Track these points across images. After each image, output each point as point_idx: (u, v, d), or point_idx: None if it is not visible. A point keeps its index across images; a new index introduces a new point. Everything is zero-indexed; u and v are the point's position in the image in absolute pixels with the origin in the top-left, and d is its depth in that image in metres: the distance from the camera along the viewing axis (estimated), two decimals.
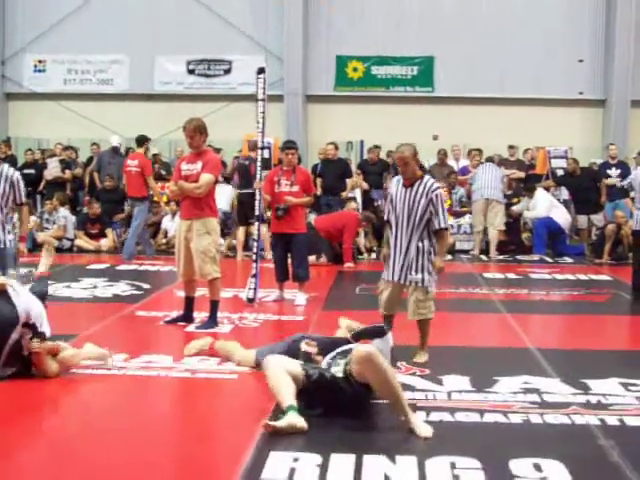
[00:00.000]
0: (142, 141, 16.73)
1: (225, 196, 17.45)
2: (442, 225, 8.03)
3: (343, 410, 6.16)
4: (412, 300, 8.17)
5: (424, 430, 5.81)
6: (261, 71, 11.56)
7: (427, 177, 8.20)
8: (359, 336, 7.10)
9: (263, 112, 11.43)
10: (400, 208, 8.13)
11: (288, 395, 6.05)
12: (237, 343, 8.19)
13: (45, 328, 7.40)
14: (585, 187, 18.20)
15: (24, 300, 7.26)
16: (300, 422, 5.83)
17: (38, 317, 7.29)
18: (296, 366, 6.37)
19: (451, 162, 20.31)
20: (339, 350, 6.74)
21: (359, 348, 6.22)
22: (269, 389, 6.19)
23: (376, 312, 10.25)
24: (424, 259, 8.07)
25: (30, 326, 7.18)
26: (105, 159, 20.09)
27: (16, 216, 10.69)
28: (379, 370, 6.00)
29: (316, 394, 6.24)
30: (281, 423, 5.77)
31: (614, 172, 18.44)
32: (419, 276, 8.07)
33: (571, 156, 19.28)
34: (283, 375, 6.21)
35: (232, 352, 7.96)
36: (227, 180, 18.28)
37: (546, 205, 17.86)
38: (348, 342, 7.01)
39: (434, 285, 8.22)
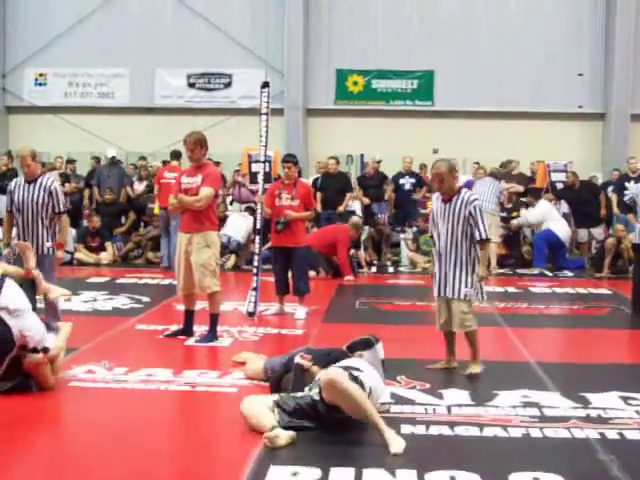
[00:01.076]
0: (179, 155, 16.78)
1: (244, 227, 17.46)
2: (483, 236, 8.05)
3: (329, 427, 6.16)
4: (457, 313, 8.18)
5: (395, 446, 5.78)
6: (265, 85, 11.60)
7: (464, 190, 8.27)
8: (352, 348, 7.11)
9: (266, 126, 11.46)
10: (441, 223, 8.19)
11: (268, 420, 6.07)
12: (251, 354, 8.24)
13: (47, 342, 7.36)
14: (585, 200, 18.16)
15: (19, 322, 7.17)
16: (293, 434, 5.89)
17: (36, 336, 7.22)
18: (268, 402, 6.36)
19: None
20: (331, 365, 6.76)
21: (324, 374, 6.24)
22: (250, 428, 6.16)
23: (376, 325, 10.29)
24: (467, 272, 8.10)
25: (26, 347, 7.14)
26: (104, 173, 20.11)
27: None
28: (344, 394, 6.02)
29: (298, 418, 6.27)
30: (281, 440, 5.80)
31: (632, 186, 18.32)
32: (464, 289, 8.10)
33: (571, 169, 19.28)
34: (259, 407, 6.26)
35: (247, 363, 8.03)
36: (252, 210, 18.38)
37: (543, 212, 17.82)
38: (345, 354, 7.02)
39: (481, 298, 8.25)
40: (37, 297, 8.49)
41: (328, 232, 16.06)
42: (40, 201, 9.62)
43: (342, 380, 6.06)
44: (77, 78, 25.88)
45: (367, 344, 7.07)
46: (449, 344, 8.45)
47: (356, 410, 6.05)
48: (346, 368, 6.41)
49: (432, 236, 8.48)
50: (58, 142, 24.36)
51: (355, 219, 16.50)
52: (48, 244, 9.67)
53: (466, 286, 8.10)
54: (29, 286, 7.88)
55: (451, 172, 8.18)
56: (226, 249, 16.62)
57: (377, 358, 7.04)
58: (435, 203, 8.33)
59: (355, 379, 6.28)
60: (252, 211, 18.06)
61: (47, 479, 5.40)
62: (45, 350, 7.22)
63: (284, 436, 5.85)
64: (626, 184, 18.47)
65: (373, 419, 6.00)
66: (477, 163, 20.55)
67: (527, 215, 18.30)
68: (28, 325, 7.16)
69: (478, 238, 8.06)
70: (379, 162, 20.32)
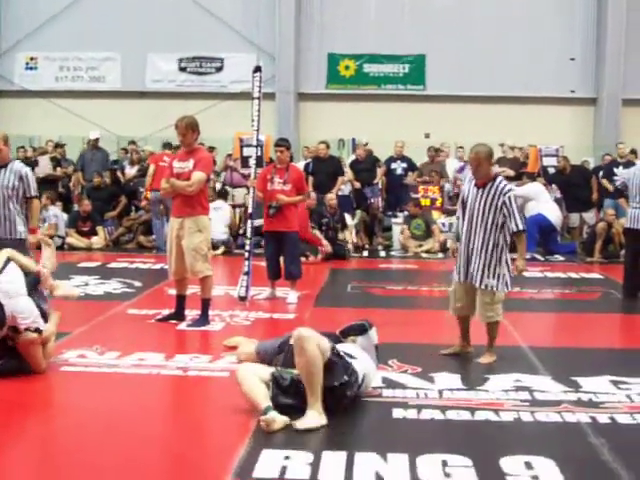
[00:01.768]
0: (169, 146, 16.86)
1: (222, 220, 17.29)
2: (520, 227, 7.97)
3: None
4: (480, 303, 8.12)
5: (300, 423, 5.85)
6: (257, 69, 11.58)
7: (500, 179, 8.14)
8: (345, 333, 7.12)
9: (259, 110, 11.44)
10: (472, 208, 8.09)
11: (262, 397, 6.10)
12: (242, 338, 8.25)
13: (39, 324, 7.35)
14: (576, 184, 18.19)
15: (13, 303, 7.17)
16: (286, 419, 5.92)
17: (28, 320, 7.21)
18: (266, 373, 6.38)
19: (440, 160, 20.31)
20: None
21: (296, 330, 6.29)
22: (243, 395, 6.18)
23: (367, 309, 10.30)
24: (496, 263, 8.01)
25: (17, 329, 7.14)
26: (87, 157, 20.11)
27: None
28: (303, 353, 6.06)
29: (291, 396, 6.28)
30: (276, 425, 5.84)
31: (620, 171, 18.38)
32: (491, 281, 8.02)
33: (562, 154, 19.29)
34: (254, 379, 6.27)
35: (238, 347, 8.03)
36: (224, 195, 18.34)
37: (532, 190, 17.77)
38: (338, 339, 7.03)
39: (506, 287, 8.15)
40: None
41: None
42: (11, 185, 9.54)
43: (308, 338, 6.10)
44: (68, 62, 25.75)
45: (361, 329, 7.06)
46: (463, 329, 8.41)
47: (303, 371, 6.09)
48: (338, 352, 6.40)
49: (458, 217, 8.45)
50: (49, 126, 24.31)
51: (328, 196, 16.54)
52: (21, 229, 9.64)
53: (488, 277, 8.01)
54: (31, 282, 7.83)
55: (489, 158, 8.12)
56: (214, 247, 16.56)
57: (371, 343, 7.04)
58: (467, 185, 8.24)
59: (338, 356, 6.31)
60: (223, 196, 18.06)
61: (39, 464, 5.39)
62: (38, 331, 7.22)
63: (279, 420, 5.88)
64: (615, 170, 18.53)
65: (312, 389, 6.04)
66: (461, 147, 20.58)
67: (519, 190, 18.26)
68: (21, 308, 7.15)
69: (514, 229, 7.95)
70: (366, 144, 20.31)
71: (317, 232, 16.15)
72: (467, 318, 8.36)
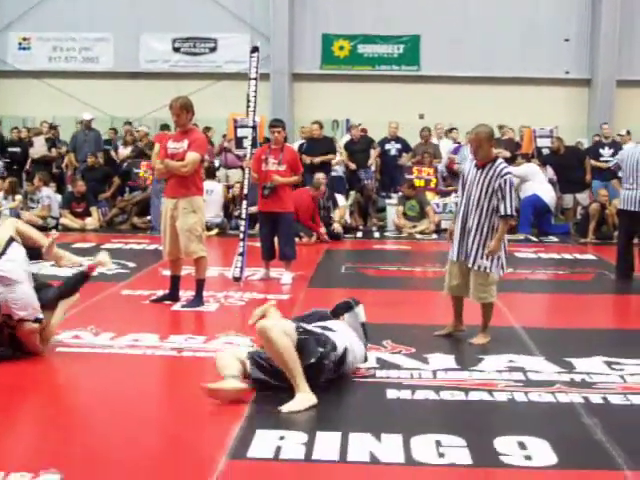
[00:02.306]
0: (167, 127, 16.91)
1: (216, 202, 17.34)
2: (508, 212, 7.89)
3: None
4: (474, 284, 8.12)
5: (288, 406, 5.89)
6: (255, 50, 11.56)
7: (499, 161, 8.12)
8: (335, 312, 7.15)
9: (255, 91, 11.42)
10: (471, 188, 8.07)
11: (229, 367, 6.32)
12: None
13: (37, 313, 7.31)
14: (570, 165, 18.21)
15: (8, 290, 7.13)
16: (240, 386, 6.13)
17: (22, 310, 7.18)
18: (242, 354, 6.56)
19: (434, 140, 20.29)
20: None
21: (259, 323, 6.33)
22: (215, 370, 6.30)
23: (361, 290, 10.32)
24: (486, 244, 7.97)
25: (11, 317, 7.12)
26: (80, 138, 20.09)
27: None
28: (271, 343, 6.10)
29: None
30: (223, 392, 6.08)
31: (607, 152, 18.46)
32: (484, 262, 8.00)
33: (556, 135, 19.28)
34: (228, 357, 6.52)
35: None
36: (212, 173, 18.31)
37: (528, 170, 17.76)
38: (327, 315, 7.08)
39: (501, 270, 8.14)
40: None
41: (293, 199, 15.85)
42: None
43: (271, 328, 6.14)
44: (61, 42, 25.65)
45: (347, 307, 7.10)
46: (456, 309, 8.42)
47: (279, 359, 6.14)
48: (305, 329, 6.43)
49: (458, 196, 8.43)
50: (43, 107, 24.23)
51: (316, 177, 16.36)
52: None
53: (482, 258, 7.99)
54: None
55: (489, 139, 8.10)
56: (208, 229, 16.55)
57: (357, 321, 7.06)
58: (468, 165, 8.24)
59: (306, 332, 6.35)
60: (211, 174, 18.01)
61: (36, 445, 5.40)
62: (38, 320, 7.20)
63: (227, 386, 6.09)
64: (600, 150, 18.58)
65: (293, 374, 6.09)
66: (455, 129, 20.56)
67: (516, 170, 18.27)
68: (16, 296, 7.08)
69: (502, 213, 7.90)
70: (359, 125, 20.28)
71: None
72: (461, 298, 8.37)
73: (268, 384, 6.30)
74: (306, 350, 6.24)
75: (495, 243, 7.94)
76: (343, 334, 6.73)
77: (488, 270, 8.00)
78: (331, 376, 6.46)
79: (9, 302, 7.01)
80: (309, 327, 6.51)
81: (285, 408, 5.88)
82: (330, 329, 6.71)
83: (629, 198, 11.82)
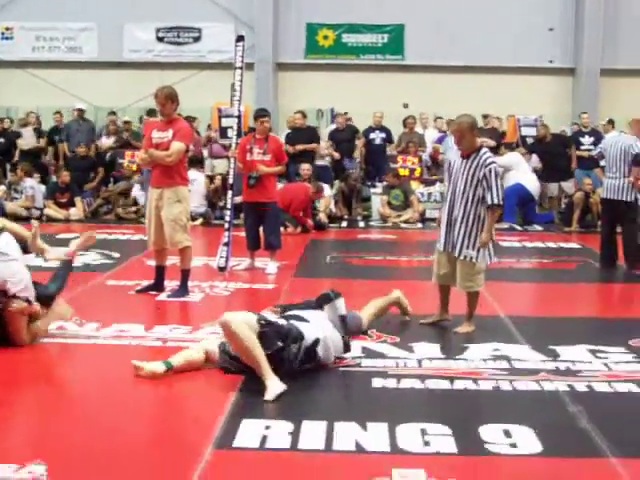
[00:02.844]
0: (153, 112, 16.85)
1: (199, 192, 17.25)
2: (495, 201, 7.88)
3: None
4: (460, 273, 8.13)
5: (268, 394, 5.94)
6: (240, 39, 11.55)
7: (484, 150, 8.13)
8: (318, 304, 7.17)
9: (241, 80, 11.41)
10: (456, 178, 8.07)
11: (185, 353, 6.72)
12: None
13: (29, 294, 7.32)
14: (555, 153, 18.21)
15: (4, 266, 7.17)
16: (159, 369, 6.42)
17: (18, 285, 7.19)
18: (213, 344, 6.80)
19: (419, 130, 20.30)
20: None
21: (221, 316, 6.37)
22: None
23: (346, 280, 10.34)
24: (477, 234, 7.98)
25: (7, 293, 7.13)
26: (73, 127, 20.04)
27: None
28: (234, 336, 6.18)
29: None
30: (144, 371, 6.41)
31: (587, 140, 18.51)
32: (470, 252, 8.01)
33: (541, 123, 19.32)
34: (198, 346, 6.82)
35: None
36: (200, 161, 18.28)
37: (512, 160, 17.78)
38: (310, 305, 7.12)
39: (488, 259, 8.16)
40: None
41: (288, 191, 15.89)
42: None
43: (232, 321, 6.19)
44: (44, 32, 25.50)
45: (326, 299, 7.11)
46: (443, 297, 8.44)
47: (243, 353, 6.21)
48: (267, 320, 6.47)
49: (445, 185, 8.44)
50: (27, 97, 24.08)
51: (301, 167, 16.55)
52: None
53: (468, 248, 8.01)
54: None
55: (472, 128, 8.10)
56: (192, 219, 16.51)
57: (336, 313, 7.06)
58: (454, 154, 8.24)
59: (267, 325, 6.37)
60: (199, 163, 18.00)
61: (19, 437, 5.39)
62: (28, 301, 7.20)
63: (147, 366, 6.41)
64: (581, 139, 18.63)
65: (259, 365, 6.13)
66: (440, 118, 20.56)
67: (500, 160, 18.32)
68: (12, 272, 7.14)
69: (489, 202, 7.90)
70: (345, 114, 20.28)
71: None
72: (448, 288, 8.39)
73: (235, 371, 6.43)
74: (266, 342, 6.27)
75: (485, 235, 7.97)
76: (317, 325, 6.74)
77: (474, 260, 8.02)
78: (300, 366, 6.49)
79: (5, 276, 7.04)
80: (272, 319, 6.54)
81: (269, 396, 5.91)
82: (303, 319, 6.75)
83: (612, 187, 11.86)
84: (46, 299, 7.57)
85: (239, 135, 11.75)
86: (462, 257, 8.05)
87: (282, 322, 6.59)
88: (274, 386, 6.01)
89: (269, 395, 5.92)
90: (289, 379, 6.15)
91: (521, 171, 17.75)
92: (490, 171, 7.91)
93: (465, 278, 8.11)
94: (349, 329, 7.18)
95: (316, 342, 6.57)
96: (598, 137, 17.94)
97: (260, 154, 11.31)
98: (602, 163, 12.64)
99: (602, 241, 12.34)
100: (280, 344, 6.35)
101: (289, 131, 18.78)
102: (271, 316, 6.67)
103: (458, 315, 8.27)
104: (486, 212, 7.98)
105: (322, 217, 16.42)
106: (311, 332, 6.58)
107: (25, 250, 7.78)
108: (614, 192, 11.82)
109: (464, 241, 8.03)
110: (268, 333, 6.32)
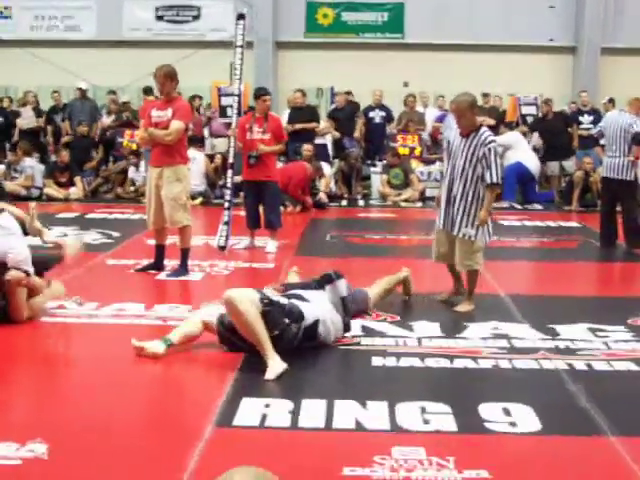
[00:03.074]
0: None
1: (198, 171, 17.19)
2: (494, 180, 7.90)
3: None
4: (459, 251, 8.16)
5: (269, 373, 5.94)
6: (241, 17, 11.51)
7: (483, 129, 8.12)
8: (319, 283, 7.17)
9: (241, 59, 11.38)
10: (455, 157, 8.08)
11: (180, 329, 6.67)
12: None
13: (29, 269, 7.35)
14: (557, 132, 18.15)
15: (5, 239, 7.21)
16: (159, 349, 6.41)
17: (18, 257, 7.22)
18: (212, 314, 6.76)
19: (420, 108, 20.26)
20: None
21: (226, 293, 6.35)
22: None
23: (346, 259, 10.35)
24: (475, 213, 8.00)
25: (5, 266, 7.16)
26: (75, 106, 20.01)
27: None
28: (237, 313, 6.15)
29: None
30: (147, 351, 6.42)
31: (586, 119, 18.46)
32: (469, 230, 8.03)
33: (543, 101, 19.29)
34: (194, 318, 6.86)
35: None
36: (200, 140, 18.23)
37: (512, 139, 17.78)
38: (311, 284, 7.11)
39: (487, 237, 8.19)
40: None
41: (287, 170, 15.85)
42: None
43: (236, 298, 6.17)
44: (43, 11, 25.42)
45: (327, 280, 7.10)
46: (453, 276, 8.52)
47: (245, 330, 6.19)
48: (269, 299, 6.44)
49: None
50: (26, 76, 24.01)
51: (304, 147, 16.51)
52: None
53: (467, 226, 8.03)
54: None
55: (472, 107, 8.09)
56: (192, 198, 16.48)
57: (337, 294, 7.04)
58: (453, 132, 8.25)
59: (270, 303, 6.35)
60: (198, 142, 17.98)
61: (20, 416, 5.40)
62: (27, 273, 7.22)
63: (147, 345, 6.42)
64: (580, 118, 18.58)
65: (262, 343, 6.12)
66: (442, 96, 20.50)
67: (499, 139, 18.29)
68: (13, 244, 7.20)
69: (488, 181, 7.91)
70: (349, 93, 20.24)
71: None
72: (453, 265, 8.42)
73: (232, 345, 6.47)
74: (271, 321, 6.26)
75: (484, 213, 7.97)
76: (317, 305, 6.74)
77: (473, 238, 8.03)
78: (299, 344, 6.49)
79: (5, 249, 7.10)
80: (274, 297, 6.53)
81: (270, 375, 5.92)
82: (304, 298, 6.75)
83: (612, 166, 11.85)
84: (42, 267, 7.62)
85: (239, 114, 11.72)
86: (461, 235, 8.06)
87: (284, 301, 6.58)
88: (275, 365, 6.01)
89: (270, 374, 5.93)
90: (289, 358, 6.16)
91: (521, 150, 17.73)
92: (490, 150, 7.91)
93: (464, 257, 8.12)
94: (352, 308, 7.19)
95: (316, 322, 6.58)
96: (597, 116, 17.87)
97: (260, 133, 11.29)
98: (602, 142, 12.62)
99: (601, 220, 12.33)
100: (286, 321, 6.36)
101: (289, 111, 18.71)
102: (273, 295, 6.65)
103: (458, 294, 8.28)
104: (485, 191, 7.97)
105: (322, 197, 16.39)
106: (311, 312, 6.58)
107: (24, 232, 7.80)
108: (614, 171, 11.80)
109: (463, 219, 8.04)
110: (273, 312, 6.31)
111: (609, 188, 12.13)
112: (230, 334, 6.44)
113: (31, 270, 7.33)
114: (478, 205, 7.99)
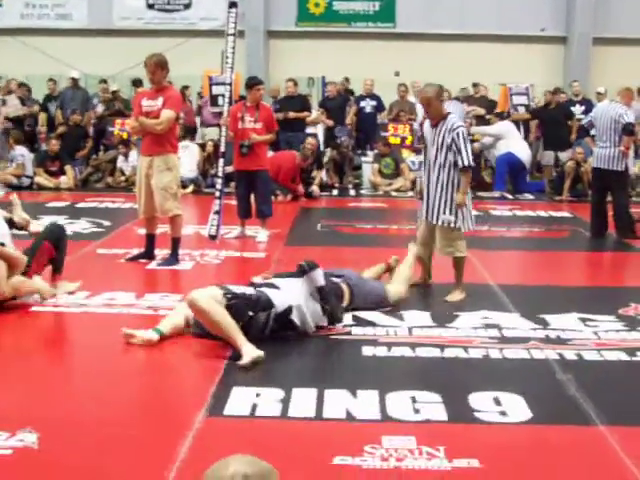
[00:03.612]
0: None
1: (191, 158, 17.26)
2: (466, 163, 7.99)
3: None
4: (439, 238, 8.26)
5: (243, 359, 5.97)
6: (232, 5, 11.50)
7: (451, 116, 8.22)
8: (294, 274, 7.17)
9: (233, 47, 11.36)
10: (429, 147, 8.25)
11: (166, 322, 6.71)
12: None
13: (5, 241, 7.39)
14: (557, 121, 18.05)
15: None
16: (151, 338, 6.46)
17: None
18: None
19: (411, 98, 20.24)
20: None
21: (188, 295, 6.41)
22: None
23: (337, 248, 10.35)
24: (448, 199, 8.10)
25: None
26: (67, 95, 19.98)
27: None
28: (203, 313, 6.22)
29: None
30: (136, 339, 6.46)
31: (578, 109, 18.46)
32: (447, 217, 8.11)
33: (534, 94, 19.32)
34: (176, 312, 6.89)
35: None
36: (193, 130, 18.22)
37: (502, 129, 17.82)
38: (290, 275, 7.13)
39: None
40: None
41: (277, 158, 15.82)
42: None
43: (198, 299, 6.22)
44: None
45: (300, 271, 7.04)
46: (423, 264, 8.61)
47: (213, 328, 6.24)
48: (233, 293, 6.47)
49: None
50: (16, 64, 23.92)
51: (307, 141, 16.47)
52: None
53: (444, 213, 8.10)
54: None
55: (438, 96, 8.20)
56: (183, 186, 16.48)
57: (311, 285, 6.94)
58: (426, 125, 8.36)
59: (234, 297, 6.38)
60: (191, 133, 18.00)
61: (10, 405, 5.39)
62: (2, 245, 7.27)
63: (139, 334, 6.46)
64: (572, 108, 18.57)
65: (232, 337, 6.16)
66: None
67: (485, 129, 18.29)
68: None
69: (460, 165, 8.00)
70: (347, 80, 20.24)
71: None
72: (425, 254, 8.57)
73: (207, 337, 6.44)
74: (236, 314, 6.30)
75: (460, 196, 8.07)
76: (289, 292, 6.71)
77: (452, 224, 8.11)
78: (270, 334, 6.51)
79: None
80: (237, 290, 6.52)
81: (244, 362, 5.94)
82: (275, 286, 6.75)
83: (602, 156, 11.86)
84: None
85: (230, 103, 11.70)
86: (440, 222, 8.17)
87: (250, 292, 6.58)
88: (249, 351, 6.02)
89: (244, 360, 5.94)
90: (280, 347, 6.17)
91: (512, 140, 17.73)
92: (458, 135, 8.03)
93: (443, 243, 8.24)
94: (332, 296, 7.03)
95: (289, 309, 6.58)
96: (589, 106, 17.86)
97: (252, 122, 11.28)
98: (592, 132, 12.63)
99: (592, 210, 12.34)
100: (251, 314, 6.39)
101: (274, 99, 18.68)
102: (236, 287, 6.64)
103: (448, 284, 8.29)
104: (460, 176, 8.06)
105: (315, 190, 16.37)
106: (282, 299, 6.58)
107: (11, 225, 7.81)
108: (605, 161, 11.82)
109: (441, 206, 8.15)
110: (237, 304, 6.34)
111: (600, 178, 12.14)
112: (205, 331, 6.44)
113: (9, 244, 7.35)
114: (454, 191, 8.10)
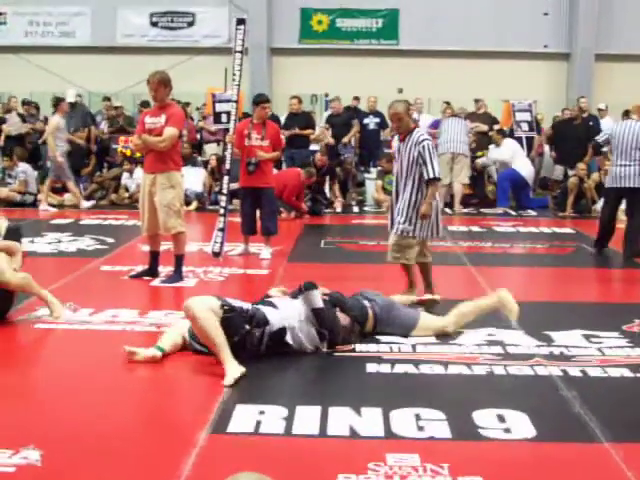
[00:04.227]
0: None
1: (198, 179, 17.33)
2: (431, 175, 8.18)
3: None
4: (390, 243, 8.54)
5: (227, 379, 5.94)
6: (240, 22, 11.52)
7: (416, 130, 8.47)
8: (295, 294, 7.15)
9: (240, 64, 11.39)
10: (399, 161, 8.43)
11: (164, 338, 6.74)
12: None
13: None
14: (578, 137, 17.59)
15: None
16: (154, 355, 6.48)
17: None
18: (185, 328, 6.82)
19: (414, 115, 20.23)
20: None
21: (185, 301, 6.41)
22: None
23: (341, 265, 10.35)
24: (410, 209, 8.31)
25: None
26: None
27: None
28: (195, 321, 6.21)
29: None
30: (138, 356, 6.47)
31: (608, 124, 18.38)
32: (406, 226, 8.34)
33: (537, 110, 19.34)
34: (174, 329, 6.93)
35: None
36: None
37: (513, 150, 17.82)
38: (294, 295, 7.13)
39: (425, 232, 8.44)
40: None
41: (281, 176, 15.85)
42: None
43: (195, 305, 6.23)
44: (38, 17, 25.47)
45: (297, 292, 6.99)
46: (408, 275, 8.74)
47: (202, 336, 6.26)
48: (230, 306, 6.46)
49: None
50: (19, 82, 24.01)
51: (312, 169, 16.49)
52: None
53: (404, 222, 8.35)
54: None
55: (407, 112, 8.44)
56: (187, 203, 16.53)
57: (309, 305, 6.84)
58: (397, 141, 8.56)
59: (231, 310, 6.37)
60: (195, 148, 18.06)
61: (13, 423, 5.38)
62: None
63: (140, 351, 6.46)
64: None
65: (218, 350, 6.16)
66: (447, 103, 20.50)
67: (496, 153, 18.25)
68: None
69: (426, 177, 8.21)
70: (357, 98, 20.30)
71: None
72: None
73: (204, 353, 6.44)
74: (231, 327, 6.30)
75: (426, 207, 8.26)
76: (286, 313, 6.68)
77: (411, 234, 8.38)
78: (266, 350, 6.51)
79: None
80: (235, 304, 6.51)
81: (228, 381, 5.92)
82: (274, 305, 6.74)
83: (621, 175, 11.56)
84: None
85: (236, 120, 11.70)
86: (399, 232, 8.42)
87: (247, 307, 6.58)
88: (232, 370, 6.02)
89: (227, 380, 5.93)
90: (284, 364, 6.15)
91: (516, 157, 17.74)
92: (424, 147, 8.22)
93: (395, 249, 8.49)
94: (328, 320, 6.81)
95: (283, 330, 6.57)
96: (596, 123, 17.84)
97: (258, 139, 11.30)
98: (604, 149, 12.46)
99: (601, 227, 12.13)
100: (247, 327, 6.40)
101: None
102: (234, 301, 6.63)
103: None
104: (429, 186, 8.27)
105: (338, 205, 16.68)
106: (278, 319, 6.56)
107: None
108: (629, 179, 11.53)
109: (401, 218, 8.38)
110: (233, 318, 6.34)
111: (615, 198, 11.96)
112: (200, 345, 6.45)
113: None
114: (417, 202, 8.30)
